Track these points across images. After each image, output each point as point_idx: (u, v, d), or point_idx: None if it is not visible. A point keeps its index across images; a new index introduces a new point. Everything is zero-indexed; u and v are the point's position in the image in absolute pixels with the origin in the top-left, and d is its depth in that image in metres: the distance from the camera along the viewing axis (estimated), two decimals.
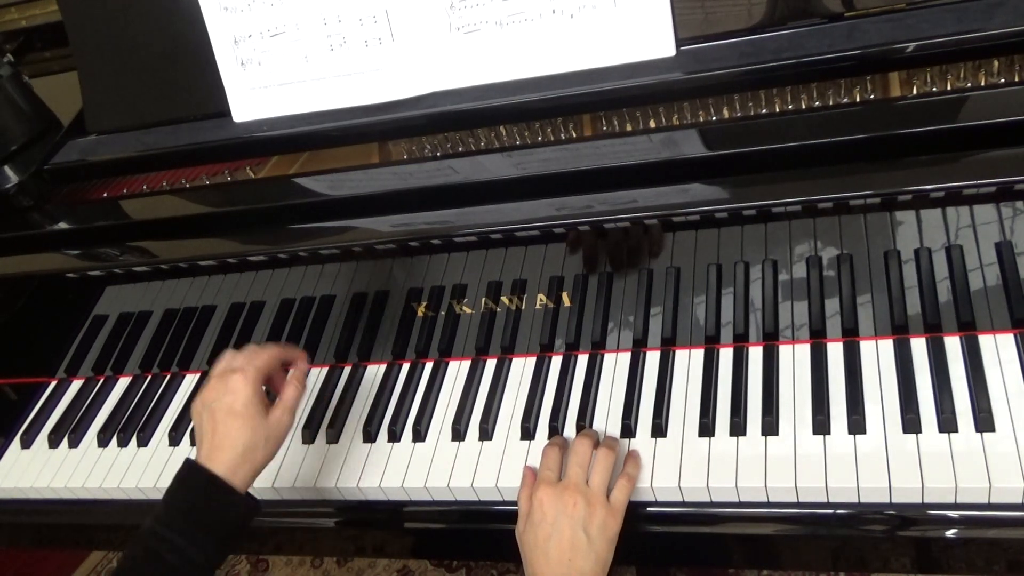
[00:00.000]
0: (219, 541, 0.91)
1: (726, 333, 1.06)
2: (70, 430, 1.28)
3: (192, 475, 0.92)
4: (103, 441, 1.25)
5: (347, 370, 1.22)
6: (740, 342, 1.06)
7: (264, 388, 0.99)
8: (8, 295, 1.30)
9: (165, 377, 1.31)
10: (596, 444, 0.99)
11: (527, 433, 1.07)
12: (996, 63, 0.92)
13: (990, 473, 0.87)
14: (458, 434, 1.09)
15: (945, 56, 0.92)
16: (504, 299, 1.12)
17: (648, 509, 0.98)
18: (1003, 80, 0.91)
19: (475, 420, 1.10)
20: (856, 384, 0.98)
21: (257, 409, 0.95)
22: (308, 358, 1.07)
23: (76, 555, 2.18)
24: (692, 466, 0.97)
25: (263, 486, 1.11)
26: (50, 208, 1.22)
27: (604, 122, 1.04)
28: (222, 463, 0.92)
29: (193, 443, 1.19)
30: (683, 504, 0.97)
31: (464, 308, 1.14)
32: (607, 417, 1.05)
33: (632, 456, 0.99)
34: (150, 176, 1.21)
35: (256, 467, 0.95)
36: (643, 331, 1.09)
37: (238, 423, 0.94)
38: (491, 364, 1.16)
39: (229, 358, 1.00)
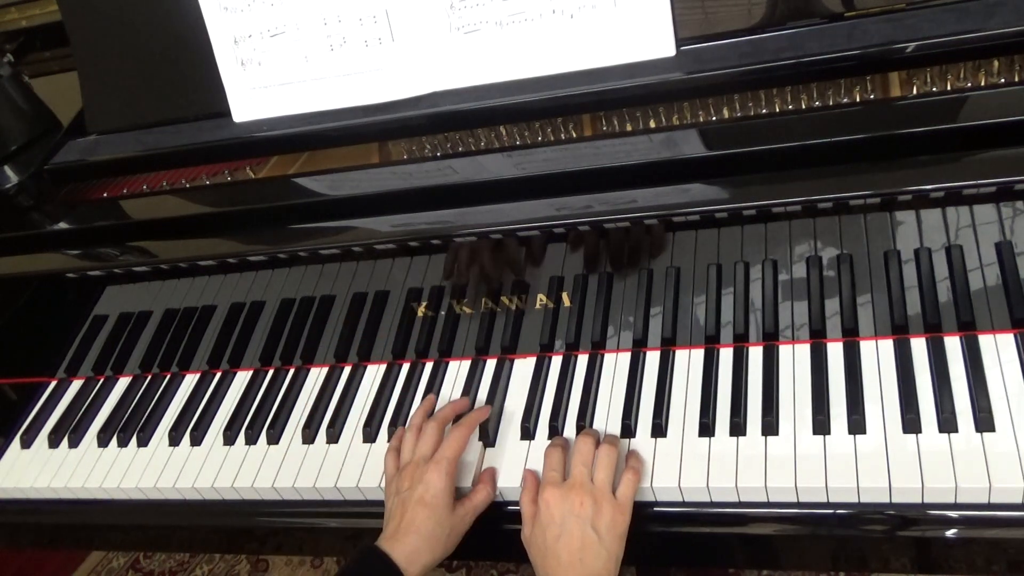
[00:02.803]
0: None
1: (726, 333, 1.06)
2: (70, 430, 1.28)
3: (373, 559, 0.94)
4: (103, 441, 1.25)
5: (347, 370, 1.22)
6: (740, 342, 1.06)
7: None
8: (8, 295, 1.30)
9: (165, 377, 1.31)
10: (597, 443, 0.99)
11: (527, 433, 1.07)
12: (996, 63, 0.92)
13: (990, 473, 0.87)
14: None
15: (945, 56, 0.92)
16: (504, 299, 1.12)
17: (648, 509, 0.98)
18: (1003, 80, 0.91)
19: None
20: (856, 384, 0.98)
21: (446, 502, 0.98)
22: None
23: (76, 555, 2.18)
24: (692, 466, 0.97)
25: (263, 486, 1.11)
26: (50, 208, 1.22)
27: (604, 122, 1.04)
28: (404, 547, 0.95)
29: (193, 443, 1.20)
30: (683, 504, 0.97)
31: (464, 308, 1.14)
32: (607, 417, 1.05)
33: (633, 452, 1.00)
34: (150, 176, 1.21)
35: (434, 559, 0.96)
36: (643, 331, 1.09)
37: (426, 512, 0.96)
38: (491, 364, 1.16)
39: (423, 433, 1.03)
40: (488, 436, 1.08)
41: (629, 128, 1.02)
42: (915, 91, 0.93)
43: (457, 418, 1.08)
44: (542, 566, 0.92)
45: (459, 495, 1.01)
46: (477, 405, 1.12)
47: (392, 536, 0.96)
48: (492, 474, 1.04)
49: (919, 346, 0.99)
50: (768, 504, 0.94)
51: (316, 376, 1.23)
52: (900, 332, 1.00)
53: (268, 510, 1.14)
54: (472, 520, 1.00)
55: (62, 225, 1.19)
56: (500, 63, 1.02)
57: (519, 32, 1.00)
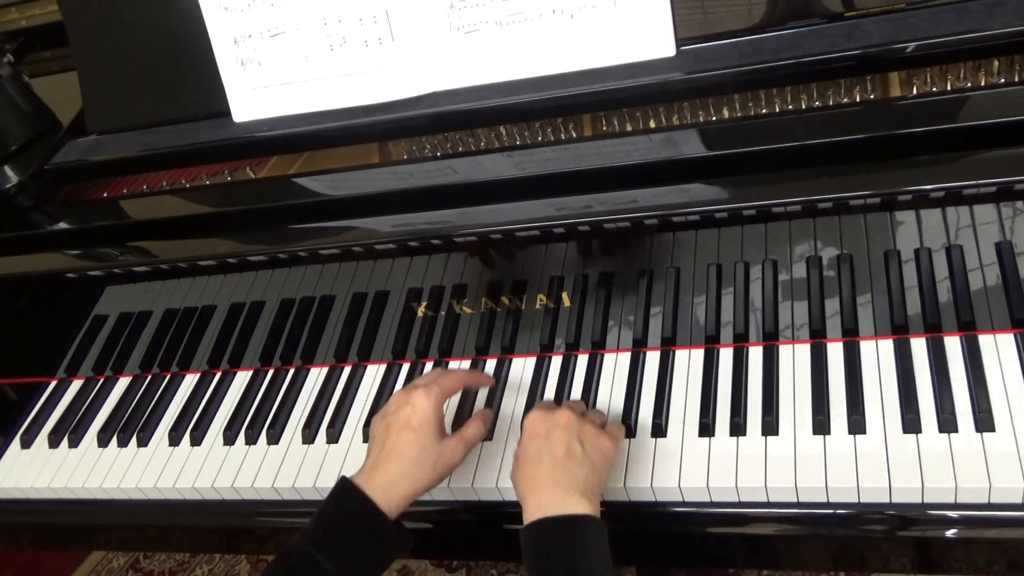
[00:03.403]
0: (361, 568, 0.89)
1: (726, 333, 1.06)
2: (70, 430, 1.28)
3: (345, 494, 0.91)
4: (103, 441, 1.25)
5: (347, 370, 1.22)
6: (740, 342, 1.06)
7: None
8: (8, 295, 1.30)
9: (165, 377, 1.31)
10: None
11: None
12: (996, 63, 0.92)
13: (990, 473, 0.87)
14: None
15: (945, 56, 0.92)
16: (504, 299, 1.12)
17: (648, 509, 0.98)
18: (1003, 80, 0.91)
19: None
20: (856, 384, 0.98)
21: (432, 428, 0.94)
22: (495, 382, 1.09)
23: (76, 555, 2.18)
24: (692, 466, 0.97)
25: (263, 486, 1.11)
26: (50, 208, 1.22)
27: (604, 122, 1.04)
28: (383, 476, 0.91)
29: (193, 443, 1.20)
30: (683, 504, 0.97)
31: (464, 308, 1.14)
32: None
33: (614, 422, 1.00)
34: (150, 176, 1.21)
35: (415, 489, 0.92)
36: (643, 331, 1.09)
37: (410, 436, 0.92)
38: (491, 364, 1.16)
39: (417, 379, 1.01)
40: (489, 435, 1.08)
41: (629, 128, 1.02)
42: (915, 91, 0.93)
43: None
44: (521, 480, 0.88)
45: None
46: (477, 405, 1.12)
47: (372, 467, 0.92)
48: (485, 414, 1.03)
49: (919, 346, 0.99)
50: (768, 504, 0.94)
51: (316, 376, 1.23)
52: (900, 332, 1.00)
53: (268, 510, 1.14)
54: (462, 454, 0.96)
55: (62, 225, 1.19)
56: (500, 63, 1.02)
57: (519, 32, 1.00)
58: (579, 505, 0.84)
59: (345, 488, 0.91)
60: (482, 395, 1.12)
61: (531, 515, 0.85)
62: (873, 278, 0.98)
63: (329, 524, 0.90)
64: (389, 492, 0.90)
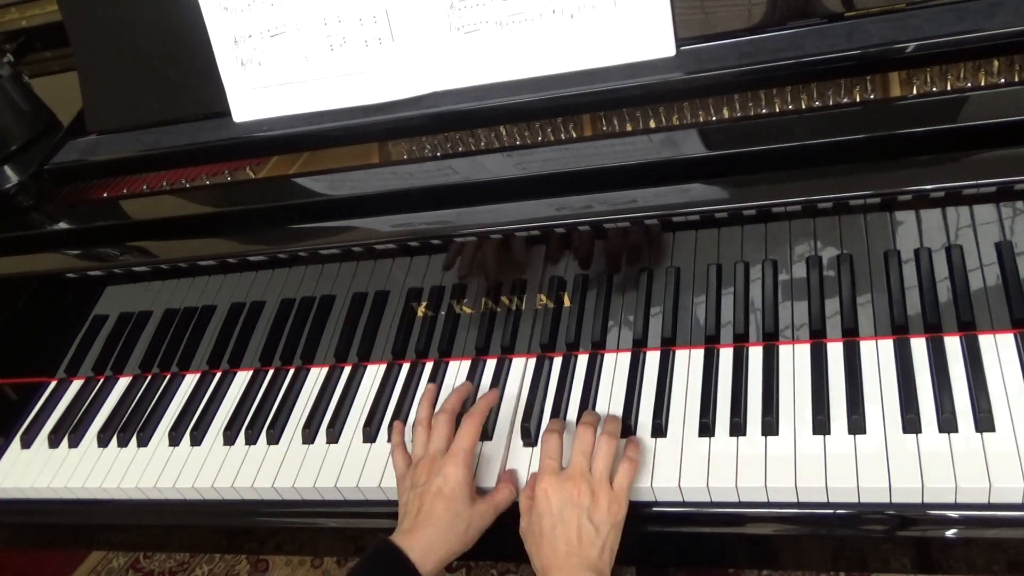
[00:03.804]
0: None
1: (726, 333, 1.06)
2: (70, 430, 1.28)
3: (388, 554, 0.93)
4: (103, 441, 1.25)
5: (347, 370, 1.22)
6: (740, 342, 1.06)
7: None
8: (8, 295, 1.30)
9: (165, 377, 1.31)
10: (596, 429, 0.99)
11: (527, 433, 1.07)
12: (996, 63, 0.92)
13: (990, 473, 0.87)
14: None
15: (945, 56, 0.92)
16: (504, 299, 1.12)
17: (648, 509, 0.98)
18: (1003, 80, 0.91)
19: None
20: (856, 384, 0.98)
21: (465, 494, 0.97)
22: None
23: (76, 555, 2.18)
24: (692, 466, 0.97)
25: (263, 486, 1.11)
26: (50, 208, 1.22)
27: (604, 122, 1.04)
28: (419, 540, 0.94)
29: (193, 443, 1.20)
30: (683, 504, 0.97)
31: (464, 308, 1.14)
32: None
33: (632, 441, 1.00)
34: (150, 176, 1.21)
35: (450, 553, 0.95)
36: (643, 331, 1.09)
37: (443, 504, 0.96)
38: (491, 364, 1.16)
39: (435, 426, 1.03)
40: (489, 435, 1.08)
41: (629, 128, 1.02)
42: (915, 91, 0.93)
43: (464, 407, 1.08)
44: (537, 555, 0.92)
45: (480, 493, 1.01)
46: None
47: (408, 531, 0.95)
48: (512, 475, 1.04)
49: (919, 346, 0.99)
50: (768, 504, 0.94)
51: (316, 376, 1.23)
52: (900, 332, 1.00)
53: (268, 510, 1.14)
54: (492, 518, 0.99)
55: (62, 225, 1.19)
56: (500, 63, 1.02)
57: (519, 32, 1.00)
58: None
59: (387, 548, 0.94)
60: (483, 390, 1.12)
61: None
62: (873, 278, 0.98)
63: None
64: (426, 556, 0.93)
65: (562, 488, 0.93)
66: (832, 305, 1.01)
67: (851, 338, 1.02)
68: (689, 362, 1.07)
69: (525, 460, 1.05)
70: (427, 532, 0.94)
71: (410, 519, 0.96)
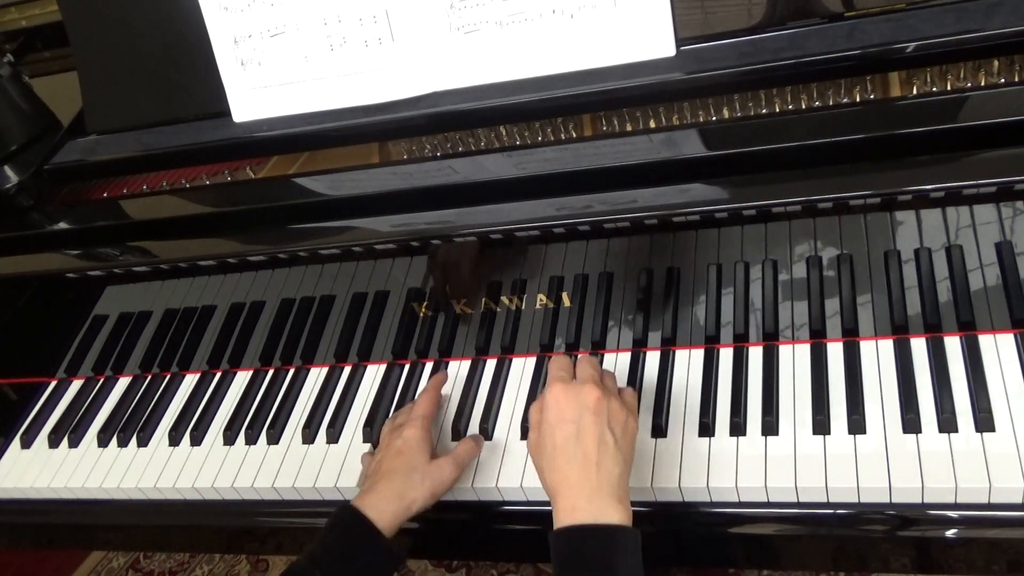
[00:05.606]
0: None
1: (726, 333, 1.06)
2: (70, 430, 1.28)
3: (341, 513, 0.95)
4: (103, 441, 1.25)
5: (347, 370, 1.22)
6: (740, 342, 1.06)
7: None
8: (8, 295, 1.30)
9: (165, 377, 1.31)
10: None
11: (527, 434, 1.06)
12: (996, 63, 0.92)
13: (990, 473, 0.87)
14: (458, 434, 1.09)
15: (945, 56, 0.92)
16: (504, 299, 1.12)
17: (648, 509, 0.98)
18: (1003, 80, 0.91)
19: (475, 420, 1.10)
20: (856, 384, 0.98)
21: (420, 447, 0.99)
22: (446, 376, 1.15)
23: (76, 555, 2.18)
24: (692, 466, 0.97)
25: (263, 486, 1.11)
26: (50, 208, 1.22)
27: (604, 122, 1.04)
28: (374, 496, 0.95)
29: (193, 443, 1.20)
30: (683, 504, 0.97)
31: (464, 308, 1.14)
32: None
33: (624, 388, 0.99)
34: (150, 176, 1.21)
35: (405, 504, 0.95)
36: (643, 331, 1.09)
37: (400, 459, 0.98)
38: (491, 364, 1.16)
39: (392, 417, 1.08)
40: (488, 435, 1.08)
41: (629, 128, 1.02)
42: (915, 91, 0.93)
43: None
44: (550, 471, 0.84)
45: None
46: (477, 404, 1.12)
47: (366, 491, 0.97)
48: (477, 437, 1.06)
49: (919, 346, 0.99)
50: (768, 504, 0.94)
51: (316, 376, 1.23)
52: (900, 332, 1.00)
53: (268, 510, 1.14)
54: (452, 472, 0.99)
55: (62, 225, 1.19)
56: (500, 63, 1.02)
57: (519, 32, 1.00)
58: (614, 512, 0.82)
59: (342, 508, 0.95)
60: (483, 394, 1.12)
61: (563, 518, 0.83)
62: (873, 278, 0.98)
63: (326, 541, 0.93)
64: (381, 508, 0.94)
65: (577, 395, 0.86)
66: (832, 305, 1.01)
67: (851, 338, 1.02)
68: (689, 362, 1.07)
69: (522, 458, 1.04)
70: (380, 486, 0.95)
71: (370, 481, 0.98)
